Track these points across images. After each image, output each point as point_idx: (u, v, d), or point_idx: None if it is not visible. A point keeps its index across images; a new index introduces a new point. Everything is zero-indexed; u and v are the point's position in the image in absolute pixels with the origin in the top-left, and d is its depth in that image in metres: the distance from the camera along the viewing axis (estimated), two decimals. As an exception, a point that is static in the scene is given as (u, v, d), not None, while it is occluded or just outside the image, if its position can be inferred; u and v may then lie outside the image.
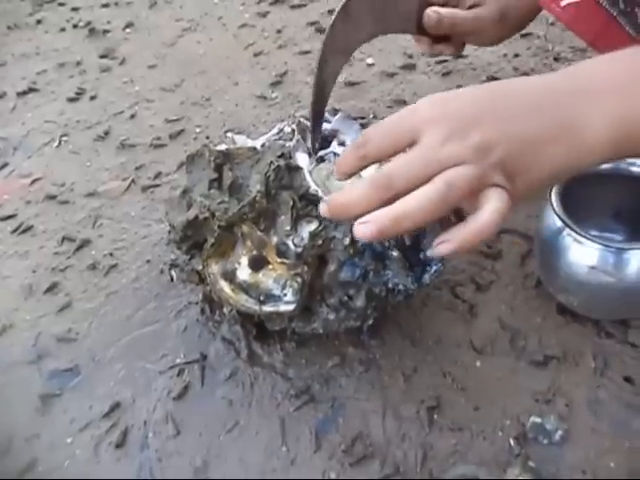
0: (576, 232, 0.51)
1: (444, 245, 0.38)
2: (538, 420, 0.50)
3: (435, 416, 0.52)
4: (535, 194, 0.41)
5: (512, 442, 0.50)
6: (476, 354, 0.56)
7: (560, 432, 0.50)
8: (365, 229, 0.38)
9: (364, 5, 0.57)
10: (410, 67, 0.90)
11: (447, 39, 0.68)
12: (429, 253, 0.39)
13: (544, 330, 0.57)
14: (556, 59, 0.88)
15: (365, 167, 0.43)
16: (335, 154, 0.56)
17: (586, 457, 0.49)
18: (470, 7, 0.67)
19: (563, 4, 0.58)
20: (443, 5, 0.66)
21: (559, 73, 0.42)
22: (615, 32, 0.57)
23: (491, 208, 0.37)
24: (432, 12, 0.64)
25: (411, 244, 0.52)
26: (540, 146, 0.38)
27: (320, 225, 0.51)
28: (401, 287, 0.52)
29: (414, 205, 0.37)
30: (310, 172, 0.52)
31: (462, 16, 0.66)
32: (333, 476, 0.50)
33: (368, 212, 0.38)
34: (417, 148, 0.39)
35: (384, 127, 0.41)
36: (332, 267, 0.51)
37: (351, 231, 0.50)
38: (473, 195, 0.38)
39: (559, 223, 0.52)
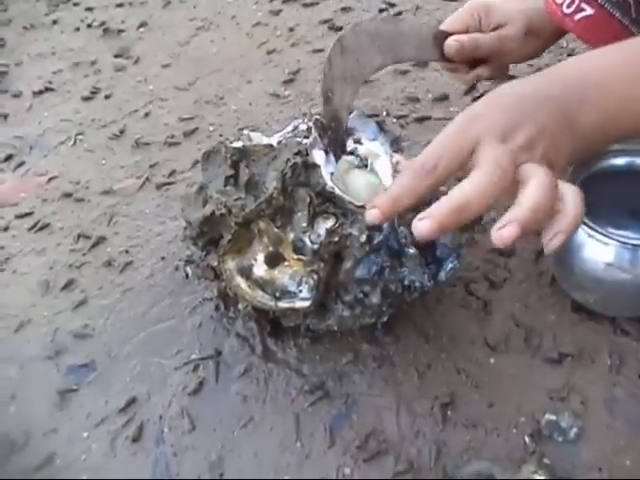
0: (592, 229, 0.51)
1: (507, 229, 0.36)
2: (553, 417, 0.50)
3: (449, 413, 0.52)
4: None
5: (527, 439, 0.50)
6: (490, 351, 0.56)
7: (575, 429, 0.49)
8: (425, 225, 0.37)
9: (364, 38, 0.58)
10: (422, 64, 0.90)
11: (484, 62, 0.67)
12: (494, 241, 0.36)
13: (559, 327, 0.56)
14: (570, 55, 0.88)
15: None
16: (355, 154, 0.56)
17: (602, 455, 0.48)
18: (494, 29, 0.66)
19: (577, 18, 0.58)
20: (466, 32, 0.65)
21: (565, 65, 0.45)
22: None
23: (535, 181, 0.37)
24: (452, 41, 0.64)
25: (428, 242, 0.52)
26: (560, 136, 0.41)
27: (337, 222, 0.51)
28: (417, 284, 0.52)
29: (469, 192, 0.37)
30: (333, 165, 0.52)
31: (485, 39, 0.65)
32: (347, 472, 0.50)
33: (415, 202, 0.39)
34: (483, 165, 0.38)
35: (448, 149, 0.40)
36: (348, 264, 0.51)
37: (367, 228, 0.50)
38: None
39: (574, 220, 0.52)
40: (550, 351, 0.55)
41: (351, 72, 0.57)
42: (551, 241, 0.38)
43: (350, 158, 0.55)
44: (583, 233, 0.51)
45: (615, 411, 0.51)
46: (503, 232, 0.36)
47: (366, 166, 0.55)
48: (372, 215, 0.40)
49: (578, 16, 0.58)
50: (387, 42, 0.60)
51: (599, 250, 0.51)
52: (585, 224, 0.51)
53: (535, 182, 0.37)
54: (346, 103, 0.57)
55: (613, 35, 0.58)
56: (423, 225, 0.37)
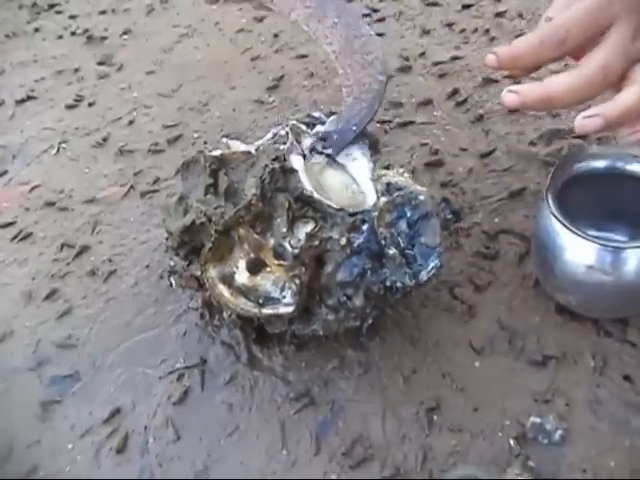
0: (573, 232, 0.51)
1: (591, 120, 0.39)
2: (538, 420, 0.50)
3: (435, 417, 0.52)
4: None
5: (512, 442, 0.50)
6: (475, 354, 0.56)
7: (560, 432, 0.50)
8: (511, 97, 0.41)
9: None
10: (406, 69, 0.90)
11: None
12: (576, 125, 0.40)
13: (543, 330, 0.57)
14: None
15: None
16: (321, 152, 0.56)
17: (586, 456, 0.49)
18: None
19: None
20: None
21: None
22: None
23: (638, 88, 0.38)
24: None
25: (407, 242, 0.52)
26: None
27: (316, 226, 0.51)
28: (399, 285, 0.52)
29: (560, 89, 0.39)
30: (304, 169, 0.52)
31: None
32: (333, 478, 0.50)
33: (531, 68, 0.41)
34: (610, 41, 0.40)
35: (582, 21, 0.41)
36: (329, 268, 0.51)
37: (347, 231, 0.51)
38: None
39: (556, 223, 0.52)
40: (534, 353, 0.55)
41: None
42: (585, 120, 0.39)
43: (318, 158, 0.55)
44: (564, 236, 0.52)
45: (599, 412, 0.51)
46: (587, 122, 0.40)
47: (335, 161, 0.55)
48: (489, 58, 0.43)
49: None
50: None
51: (580, 253, 0.51)
52: (566, 227, 0.52)
53: (638, 89, 0.38)
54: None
55: None
56: (509, 96, 0.40)
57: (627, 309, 0.55)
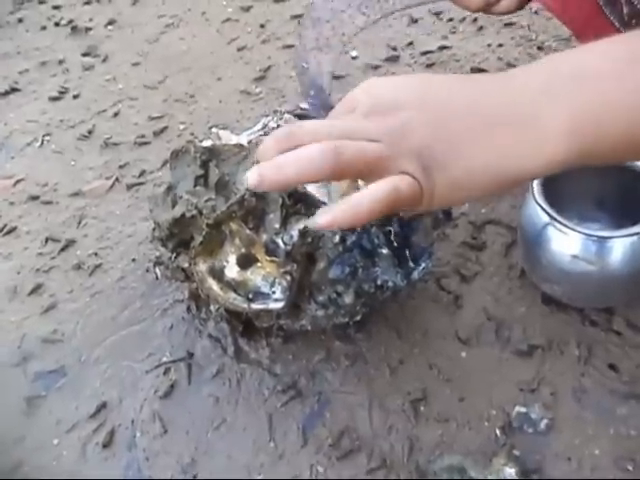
0: (558, 222, 0.51)
1: (320, 217, 0.34)
2: (523, 409, 0.51)
3: (421, 408, 0.52)
4: (463, 197, 0.36)
5: (498, 432, 0.50)
6: (461, 345, 0.56)
7: (545, 421, 0.50)
8: (250, 175, 0.35)
9: (337, 3, 0.56)
10: (394, 59, 0.90)
11: None
12: (309, 224, 0.35)
13: (529, 320, 0.57)
14: (540, 48, 0.88)
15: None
16: None
17: (571, 445, 0.49)
18: None
19: None
20: None
21: (511, 71, 0.37)
22: (601, 23, 0.57)
23: (375, 191, 0.33)
24: None
25: (401, 242, 0.52)
26: (465, 144, 0.34)
27: (310, 223, 0.50)
28: (390, 284, 0.52)
29: (298, 156, 0.34)
30: None
31: None
32: (320, 470, 0.50)
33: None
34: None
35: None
36: (321, 265, 0.51)
37: (341, 230, 0.50)
38: (380, 176, 0.34)
39: (541, 213, 0.52)
40: (520, 343, 0.55)
41: (326, 40, 0.56)
42: (317, 217, 0.34)
43: None
44: (550, 226, 0.52)
45: (584, 401, 0.51)
46: (316, 219, 0.34)
47: None
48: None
49: None
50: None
51: (565, 243, 0.51)
52: (551, 217, 0.52)
53: (371, 194, 0.33)
54: (325, 70, 0.55)
55: (586, 14, 0.57)
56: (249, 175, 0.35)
57: (612, 298, 0.56)
